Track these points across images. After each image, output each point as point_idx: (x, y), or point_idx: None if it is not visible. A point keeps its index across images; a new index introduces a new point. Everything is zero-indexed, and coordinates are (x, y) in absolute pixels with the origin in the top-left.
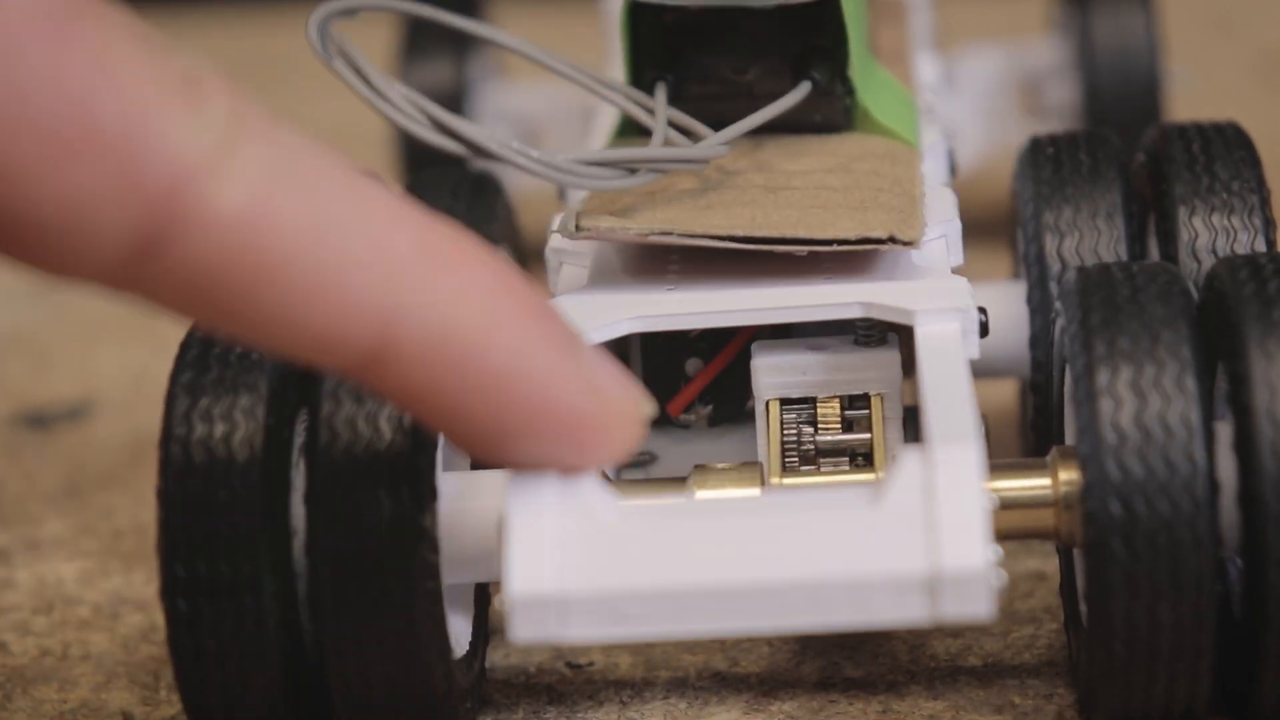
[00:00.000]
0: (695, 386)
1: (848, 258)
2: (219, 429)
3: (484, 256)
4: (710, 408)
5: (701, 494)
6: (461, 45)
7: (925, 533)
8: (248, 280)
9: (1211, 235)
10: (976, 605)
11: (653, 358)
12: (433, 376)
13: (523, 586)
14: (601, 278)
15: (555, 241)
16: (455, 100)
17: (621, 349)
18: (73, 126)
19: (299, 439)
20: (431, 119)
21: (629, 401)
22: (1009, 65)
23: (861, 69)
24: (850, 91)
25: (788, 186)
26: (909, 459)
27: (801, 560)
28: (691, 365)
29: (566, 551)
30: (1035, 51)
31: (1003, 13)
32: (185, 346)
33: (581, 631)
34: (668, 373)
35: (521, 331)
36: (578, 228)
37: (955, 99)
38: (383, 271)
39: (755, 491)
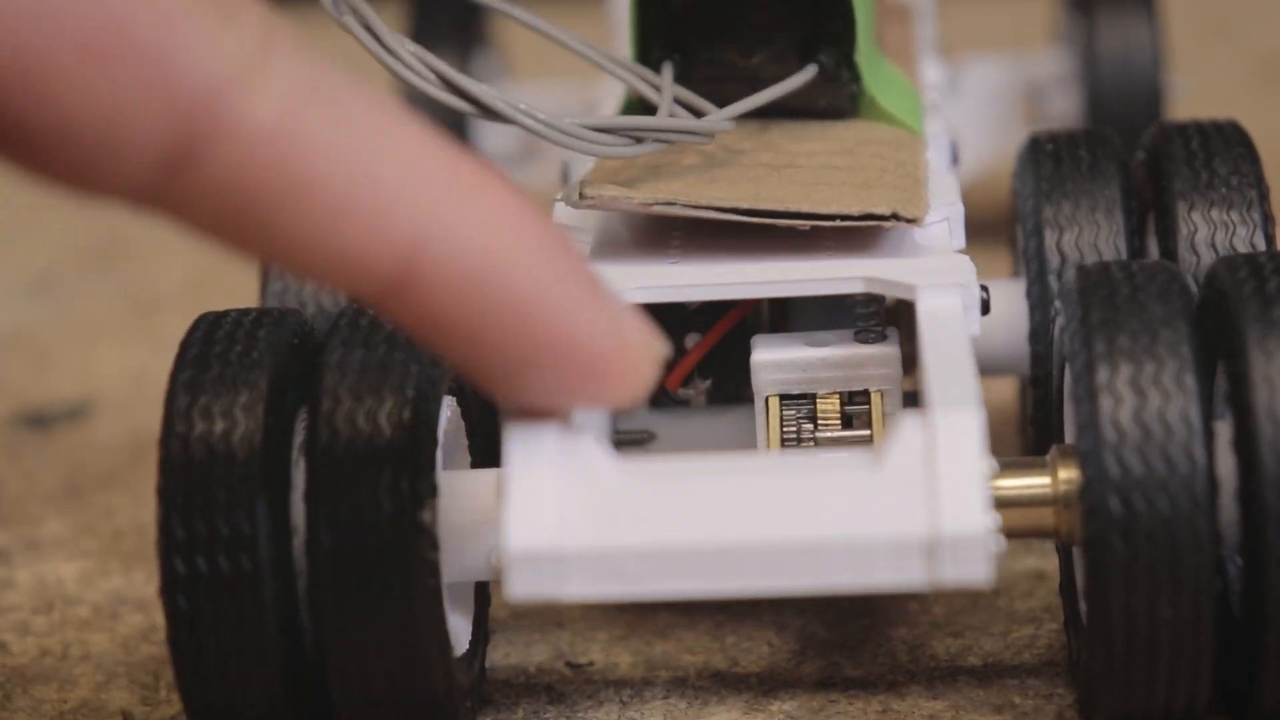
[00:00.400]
0: (692, 358)
1: (851, 234)
2: (219, 427)
3: (509, 189)
4: (709, 383)
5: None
6: (466, 44)
7: (925, 496)
8: (277, 196)
9: (1210, 230)
10: (975, 569)
11: None
12: (456, 303)
13: (521, 542)
14: (604, 250)
15: (558, 214)
16: None
17: None
18: (106, 35)
19: (299, 437)
20: (441, 77)
21: (645, 340)
22: (1013, 74)
23: (868, 57)
24: (856, 78)
25: (793, 165)
26: (909, 423)
27: (801, 521)
28: (691, 340)
29: (565, 508)
30: (1039, 61)
31: (1006, 15)
32: (185, 345)
33: (579, 589)
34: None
35: (545, 262)
36: (581, 196)
37: (959, 106)
38: (411, 195)
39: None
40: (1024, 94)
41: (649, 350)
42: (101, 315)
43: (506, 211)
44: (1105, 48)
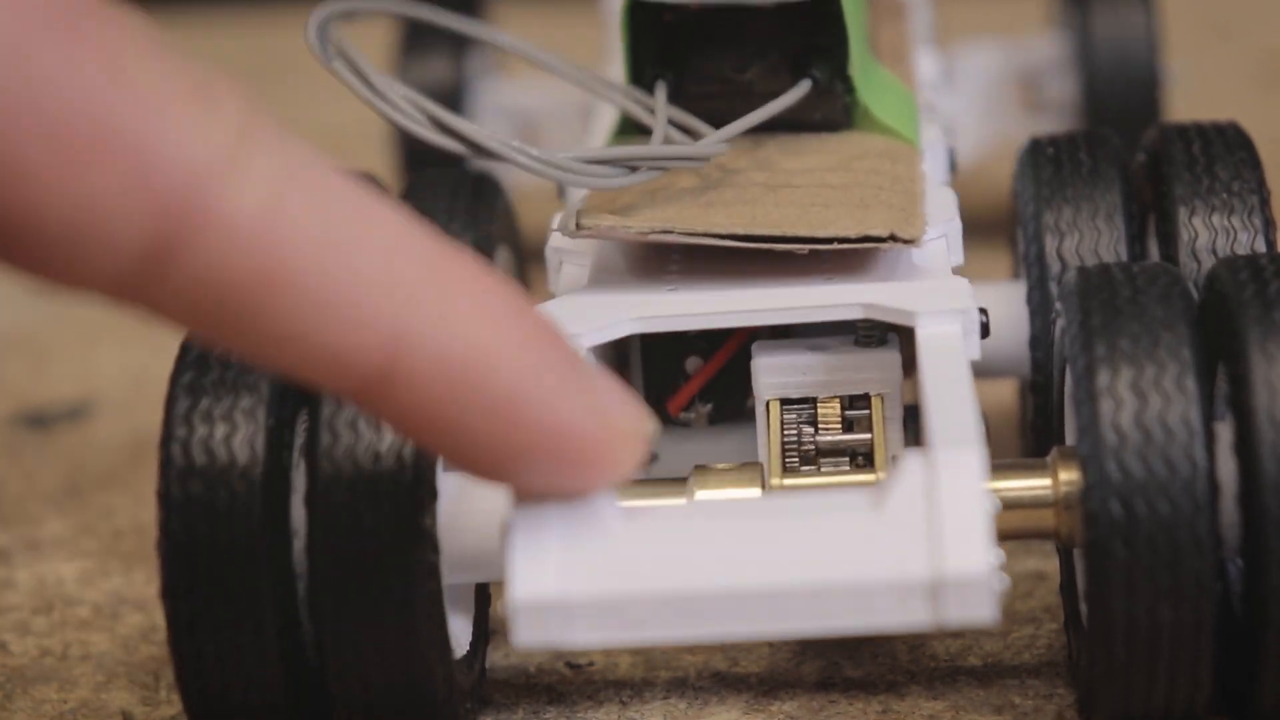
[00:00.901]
0: (694, 385)
1: (848, 256)
2: (219, 430)
3: (489, 277)
4: (710, 406)
5: (701, 494)
6: (460, 43)
7: (928, 537)
8: (257, 290)
9: (1211, 235)
10: (979, 610)
11: (653, 357)
12: (439, 398)
13: (526, 591)
14: (602, 277)
15: (555, 240)
16: (454, 98)
17: (622, 348)
18: (85, 128)
19: (299, 440)
20: (431, 118)
21: (632, 421)
22: (1008, 61)
23: (861, 67)
24: (850, 90)
25: (788, 184)
26: (911, 462)
27: (804, 564)
28: (691, 364)
29: (569, 556)
30: (1034, 47)
31: (1002, 8)
32: (185, 347)
33: (584, 636)
34: (668, 371)
35: (527, 353)
36: (578, 226)
37: (955, 95)
38: (392, 288)
39: (756, 492)
40: (1020, 81)
41: (636, 432)
42: (101, 315)
43: (488, 301)
44: (1100, 31)
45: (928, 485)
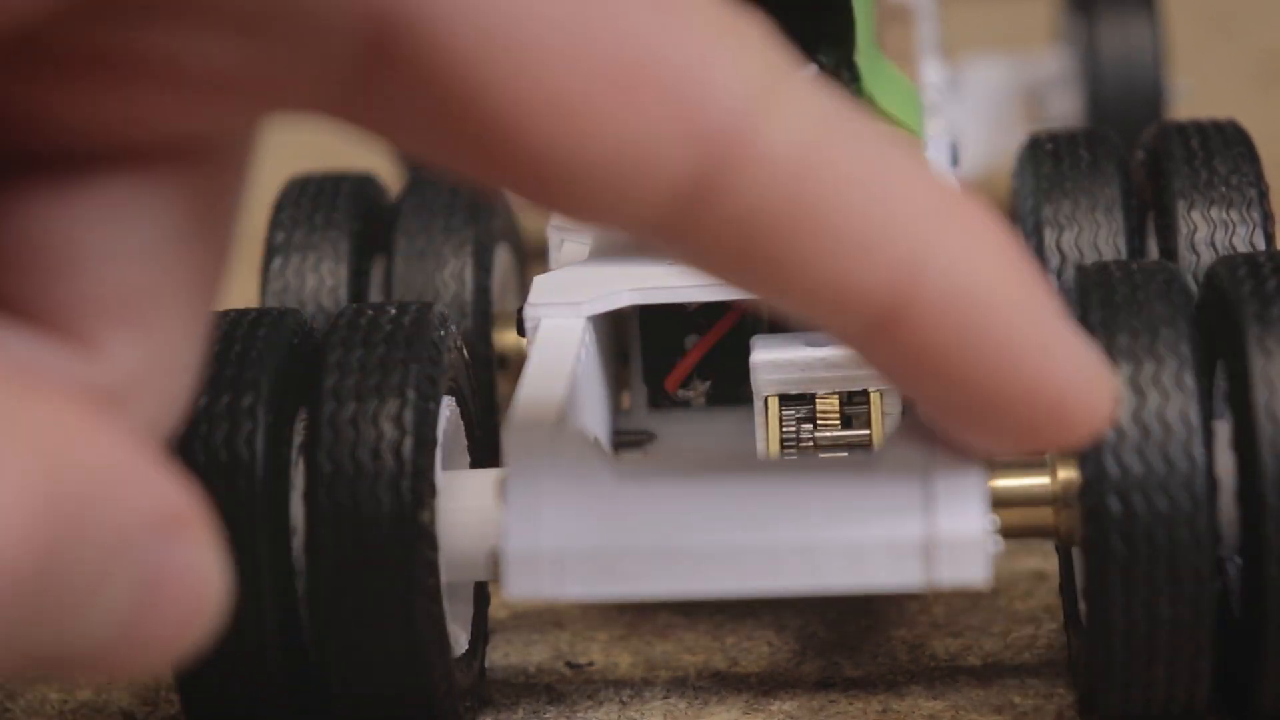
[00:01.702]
0: (691, 358)
1: None
2: (219, 427)
3: (991, 218)
4: (709, 384)
5: None
6: None
7: (922, 497)
8: (787, 226)
9: (1210, 228)
10: (973, 571)
11: (651, 333)
12: (946, 336)
13: (519, 542)
14: (603, 251)
15: (557, 217)
16: None
17: (620, 324)
18: (637, 64)
19: (299, 437)
20: None
21: (1112, 385)
22: (1013, 75)
23: (868, 57)
24: (856, 78)
25: None
26: (907, 424)
27: (798, 522)
28: (690, 341)
29: (563, 508)
30: (1039, 61)
31: (1006, 16)
32: None
33: (577, 588)
34: (667, 349)
35: (1032, 302)
36: None
37: (959, 107)
38: (914, 222)
39: None
40: (1024, 94)
41: (1112, 391)
42: None
43: (993, 242)
44: (1105, 47)
45: (923, 446)
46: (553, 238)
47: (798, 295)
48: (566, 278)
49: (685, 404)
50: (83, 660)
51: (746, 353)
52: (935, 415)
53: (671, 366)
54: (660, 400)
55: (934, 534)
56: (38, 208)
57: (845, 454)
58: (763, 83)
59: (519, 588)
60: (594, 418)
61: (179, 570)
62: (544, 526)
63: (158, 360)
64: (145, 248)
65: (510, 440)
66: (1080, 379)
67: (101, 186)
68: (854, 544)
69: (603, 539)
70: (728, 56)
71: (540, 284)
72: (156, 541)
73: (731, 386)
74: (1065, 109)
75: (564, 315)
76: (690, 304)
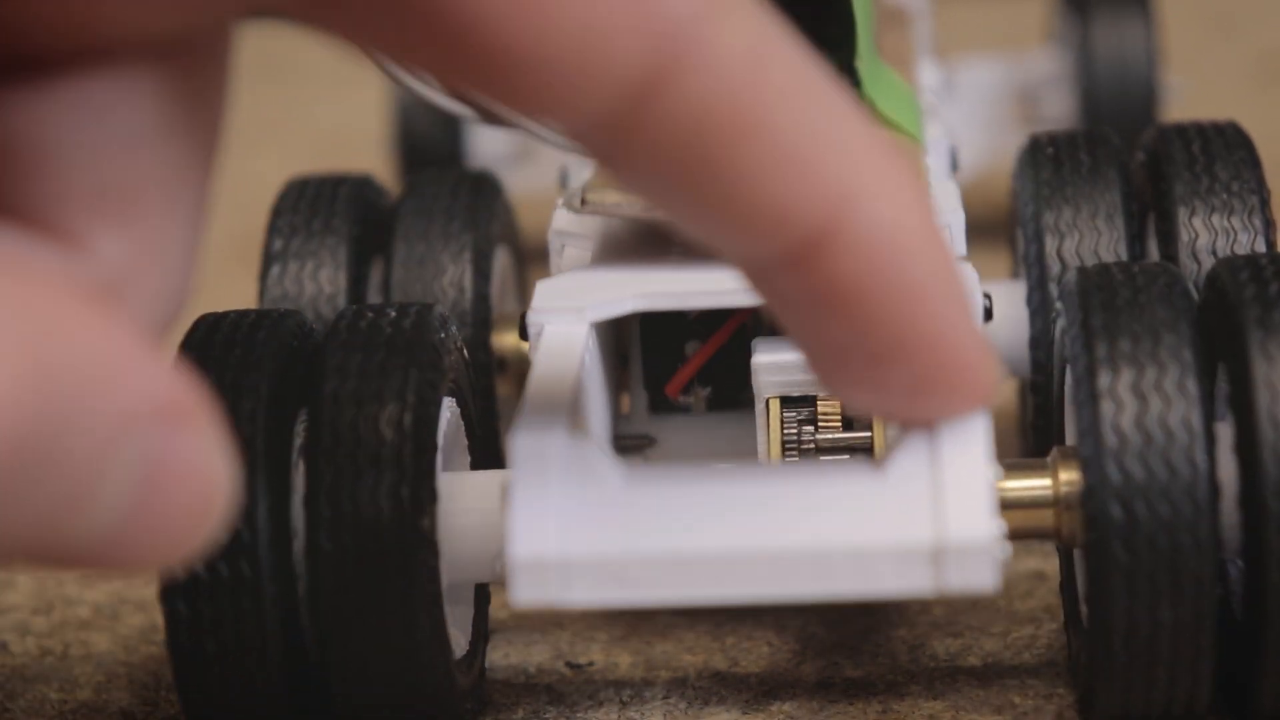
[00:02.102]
0: (692, 366)
1: None
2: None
3: (914, 169)
4: (709, 391)
5: None
6: None
7: (931, 503)
8: (727, 136)
9: (1211, 236)
10: (981, 576)
11: (652, 339)
12: (861, 273)
13: (525, 548)
14: (605, 256)
15: (559, 222)
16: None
17: (621, 330)
18: None
19: (299, 440)
20: None
21: (996, 362)
22: (1007, 75)
23: (868, 62)
24: (856, 84)
25: None
26: (915, 430)
27: (806, 528)
28: (691, 348)
29: (570, 514)
30: (1034, 62)
31: (1001, 16)
32: (184, 346)
33: (583, 595)
34: (667, 355)
35: (940, 253)
36: (583, 202)
37: (954, 108)
38: (847, 153)
39: None
40: (1019, 95)
41: (998, 373)
42: None
43: (918, 194)
44: (1100, 47)
45: (931, 452)
46: (554, 242)
47: (726, 215)
48: (569, 283)
49: (685, 409)
50: (86, 552)
51: (747, 359)
52: (825, 364)
53: (672, 372)
54: (660, 404)
55: (942, 540)
56: (17, 106)
57: (851, 457)
58: None
59: (525, 595)
60: (596, 422)
61: (181, 461)
62: (550, 534)
63: (149, 254)
64: (129, 143)
65: (516, 447)
66: (975, 345)
67: (81, 84)
68: (862, 550)
69: (609, 546)
70: None
71: (543, 289)
72: (156, 431)
73: (732, 392)
74: (1060, 109)
75: (567, 321)
76: (691, 310)
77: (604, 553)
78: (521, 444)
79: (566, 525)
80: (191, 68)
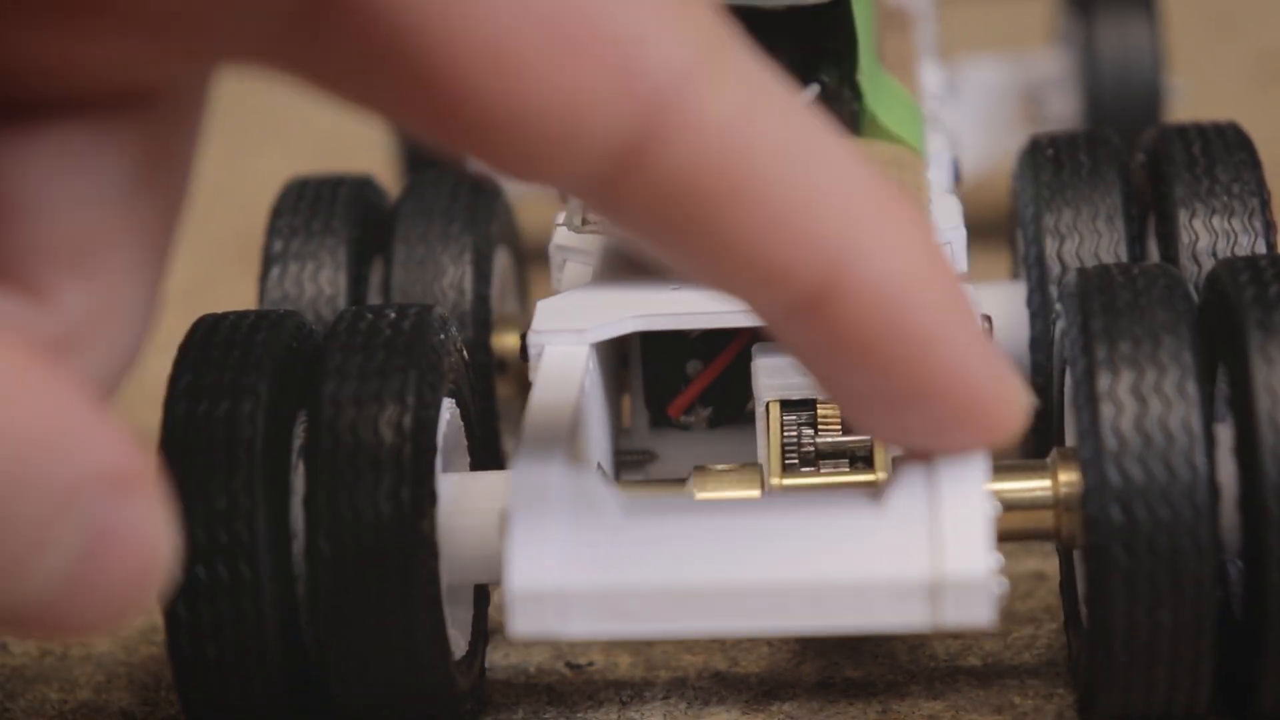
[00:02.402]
0: (695, 388)
1: None
2: (218, 431)
3: (920, 215)
4: (710, 410)
5: (701, 495)
6: None
7: (928, 538)
8: (719, 193)
9: (1212, 238)
10: (978, 612)
11: (653, 359)
12: (866, 323)
13: (524, 580)
14: (605, 275)
15: (560, 238)
16: None
17: (622, 349)
18: (575, 21)
19: (298, 442)
20: None
21: (1021, 391)
22: (1011, 75)
23: (870, 74)
24: (858, 96)
25: None
26: (913, 463)
27: (804, 562)
28: (692, 367)
29: (568, 546)
30: (1037, 62)
31: (1004, 16)
32: (184, 347)
33: (582, 627)
34: (668, 374)
35: (948, 298)
36: (584, 221)
37: (957, 108)
38: (842, 207)
39: (755, 493)
40: (1022, 95)
41: (1024, 402)
42: None
43: (920, 238)
44: (1104, 47)
45: (929, 486)
46: (555, 257)
47: (725, 270)
48: (570, 303)
49: (687, 428)
50: (26, 615)
51: (748, 378)
52: (849, 406)
53: (673, 390)
54: (662, 420)
55: (940, 575)
56: None
57: (849, 486)
58: (701, 50)
59: (524, 627)
60: (597, 441)
61: (127, 529)
62: (549, 565)
63: (109, 309)
64: (97, 196)
65: (515, 478)
66: (994, 382)
67: (52, 135)
68: (859, 584)
69: (607, 578)
70: (667, 21)
71: (544, 309)
72: (104, 498)
73: (733, 411)
74: (1063, 110)
75: (568, 342)
76: (692, 330)
77: (602, 584)
78: (520, 475)
79: (565, 557)
80: (164, 122)
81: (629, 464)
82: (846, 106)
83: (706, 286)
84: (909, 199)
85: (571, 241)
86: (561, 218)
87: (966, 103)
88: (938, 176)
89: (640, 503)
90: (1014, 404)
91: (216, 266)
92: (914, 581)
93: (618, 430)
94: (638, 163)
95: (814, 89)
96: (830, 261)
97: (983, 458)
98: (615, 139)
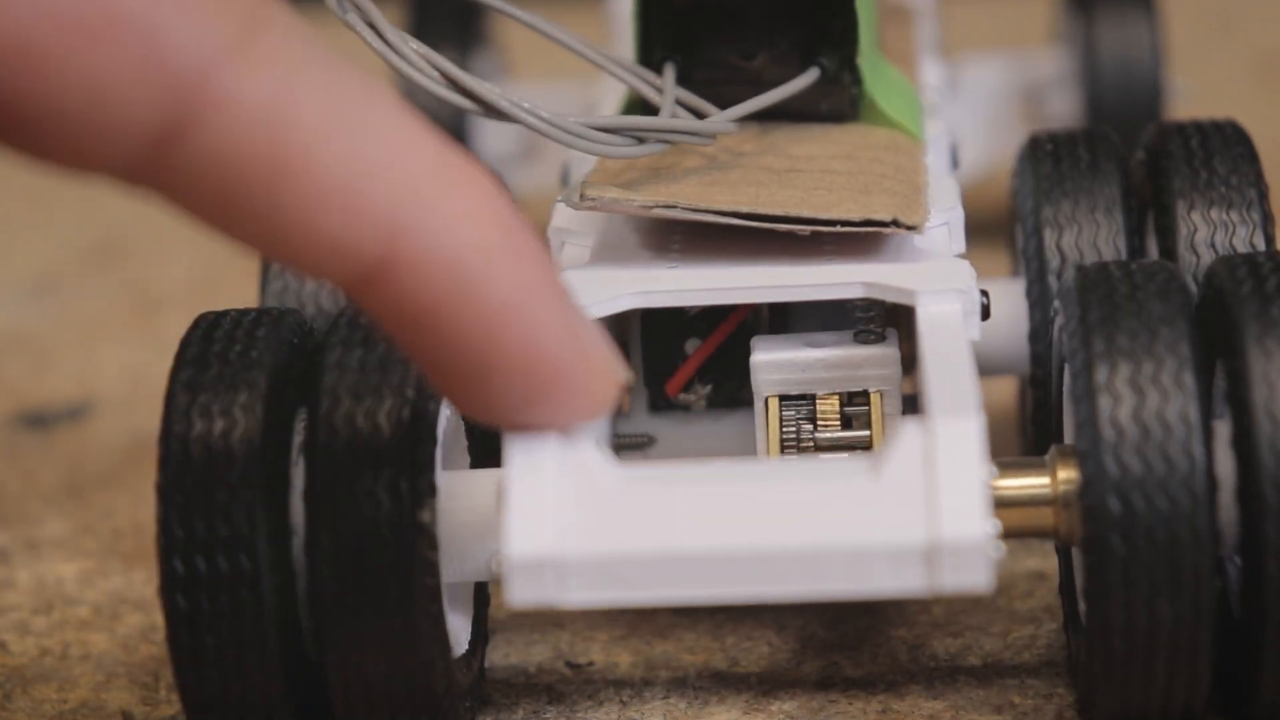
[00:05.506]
0: (692, 363)
1: (850, 240)
2: (218, 426)
3: (494, 187)
4: (709, 388)
5: None
6: (466, 43)
7: (925, 503)
8: (265, 175)
9: (1210, 230)
10: (975, 576)
11: (652, 337)
12: (430, 298)
13: (521, 549)
14: (605, 252)
15: (558, 219)
16: None
17: (621, 327)
18: (94, 12)
19: (298, 436)
20: (444, 74)
21: (609, 361)
22: (1012, 74)
23: (869, 60)
24: (858, 81)
25: (793, 169)
26: (909, 429)
27: (801, 528)
28: (691, 345)
29: (565, 515)
30: (1038, 61)
31: (1005, 15)
32: (185, 344)
33: (579, 595)
34: (667, 353)
35: (523, 266)
36: (582, 197)
37: (958, 107)
38: (397, 182)
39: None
40: (1023, 94)
41: (611, 372)
42: (101, 315)
43: (489, 209)
44: (1104, 47)
45: (926, 452)
46: (553, 239)
47: (285, 246)
48: (568, 281)
49: (685, 407)
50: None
51: (747, 356)
52: (434, 378)
53: (672, 370)
54: (660, 403)
55: (936, 540)
56: None
57: (847, 456)
58: (235, 33)
59: (522, 595)
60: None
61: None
62: (546, 534)
63: None
64: None
65: (511, 448)
66: (577, 355)
67: None
68: (857, 550)
69: (605, 545)
70: (195, 7)
71: None
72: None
73: (732, 390)
74: (1064, 108)
75: None
76: (691, 307)
77: (600, 553)
78: (517, 445)
79: (562, 525)
80: None
81: (627, 447)
82: (846, 91)
83: (278, 262)
84: (481, 170)
85: (570, 222)
86: (561, 196)
87: (968, 101)
88: (936, 162)
89: (636, 471)
90: (601, 377)
91: (217, 265)
92: (911, 546)
93: (616, 414)
94: (176, 147)
95: (814, 72)
96: (388, 235)
97: (978, 425)
98: (146, 124)
